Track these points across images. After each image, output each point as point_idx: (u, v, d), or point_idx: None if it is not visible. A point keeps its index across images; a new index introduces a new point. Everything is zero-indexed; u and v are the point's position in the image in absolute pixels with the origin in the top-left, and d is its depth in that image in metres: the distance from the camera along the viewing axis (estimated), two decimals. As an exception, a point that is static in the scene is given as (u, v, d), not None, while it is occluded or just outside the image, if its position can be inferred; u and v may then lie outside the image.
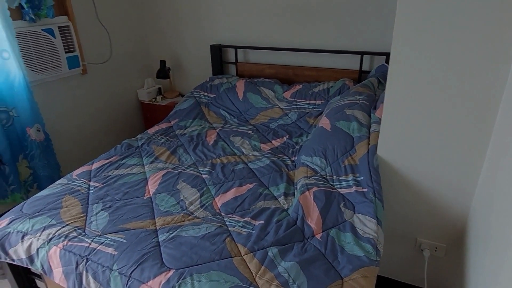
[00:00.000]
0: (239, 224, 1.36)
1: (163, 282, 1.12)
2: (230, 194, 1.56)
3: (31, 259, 1.37)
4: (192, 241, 1.27)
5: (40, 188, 2.40)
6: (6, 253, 1.41)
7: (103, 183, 1.70)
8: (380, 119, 1.63)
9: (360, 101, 1.88)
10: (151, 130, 2.32)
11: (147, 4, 3.05)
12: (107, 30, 2.78)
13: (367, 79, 2.19)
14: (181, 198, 1.56)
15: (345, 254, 1.22)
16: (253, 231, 1.31)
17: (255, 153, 1.97)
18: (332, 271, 1.16)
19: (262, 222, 1.36)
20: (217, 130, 2.28)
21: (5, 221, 1.48)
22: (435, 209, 1.56)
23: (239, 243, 1.26)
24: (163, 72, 3.03)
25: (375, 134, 1.63)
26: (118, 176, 1.76)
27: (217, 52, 2.88)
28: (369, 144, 1.62)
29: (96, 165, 1.88)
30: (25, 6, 2.17)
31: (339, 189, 1.52)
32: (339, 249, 1.25)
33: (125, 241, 1.30)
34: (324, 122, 1.83)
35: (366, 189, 1.46)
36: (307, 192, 1.48)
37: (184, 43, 3.08)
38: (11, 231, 1.43)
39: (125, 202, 1.56)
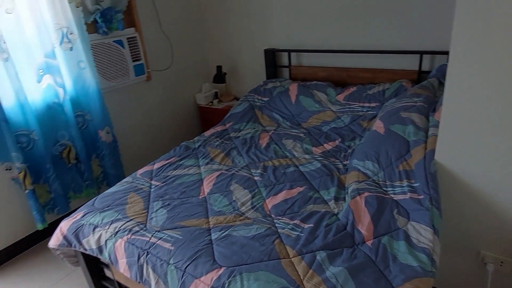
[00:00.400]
0: (288, 227, 1.38)
1: (214, 279, 1.18)
2: (280, 197, 1.59)
3: (100, 249, 1.52)
4: (242, 241, 1.32)
5: (109, 185, 2.64)
6: (80, 243, 1.58)
7: (163, 182, 1.83)
8: (439, 122, 1.54)
9: (418, 103, 1.79)
10: (207, 133, 2.44)
11: (205, 14, 3.21)
12: (169, 39, 2.98)
13: (426, 80, 2.08)
14: (234, 199, 1.62)
15: (397, 263, 1.18)
16: (302, 234, 1.32)
17: (307, 156, 1.98)
18: (383, 280, 1.13)
19: (311, 225, 1.37)
20: (270, 133, 2.32)
21: (79, 214, 1.67)
22: (502, 221, 1.43)
23: (287, 245, 1.28)
24: (219, 77, 3.15)
25: (433, 138, 1.54)
26: (176, 176, 1.88)
27: (271, 56, 2.93)
28: (426, 148, 1.54)
29: (157, 165, 2.03)
30: (99, 20, 2.41)
31: (392, 195, 1.47)
32: (391, 257, 1.21)
33: (181, 237, 1.39)
34: (378, 126, 1.78)
35: (422, 196, 1.39)
36: (358, 197, 1.45)
37: (239, 49, 3.18)
38: (85, 224, 1.60)
39: (182, 200, 1.66)
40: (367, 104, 2.27)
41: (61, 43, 2.20)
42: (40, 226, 2.18)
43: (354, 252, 1.25)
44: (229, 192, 1.68)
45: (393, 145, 1.62)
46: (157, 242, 1.38)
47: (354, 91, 2.38)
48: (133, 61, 2.74)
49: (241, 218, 1.48)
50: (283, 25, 2.86)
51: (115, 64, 2.61)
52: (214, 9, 3.15)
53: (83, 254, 1.70)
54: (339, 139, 2.11)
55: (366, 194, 1.46)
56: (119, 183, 1.90)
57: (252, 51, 3.11)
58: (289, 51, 2.86)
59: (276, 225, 1.41)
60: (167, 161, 2.05)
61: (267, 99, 2.69)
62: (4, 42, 1.94)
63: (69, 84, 2.28)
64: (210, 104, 3.27)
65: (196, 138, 2.38)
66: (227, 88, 3.35)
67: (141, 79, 2.84)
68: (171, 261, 1.29)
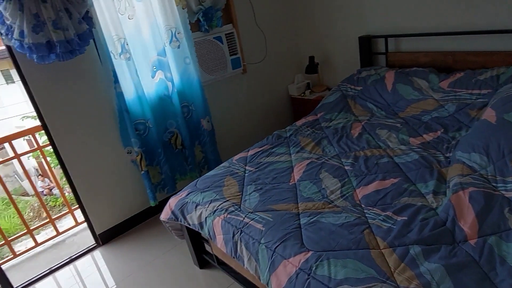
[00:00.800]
0: (379, 218, 1.34)
1: (302, 261, 1.23)
2: (372, 187, 1.55)
3: (201, 225, 1.70)
4: (330, 228, 1.34)
5: (209, 169, 2.88)
6: (185, 218, 1.80)
7: (256, 168, 1.94)
8: None
9: (543, 89, 1.54)
10: (299, 122, 2.48)
11: (297, 5, 3.23)
12: (263, 33, 3.09)
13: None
14: (323, 186, 1.64)
15: (506, 267, 1.06)
16: (394, 226, 1.28)
17: (402, 147, 1.87)
18: (487, 282, 1.03)
19: (405, 218, 1.31)
20: (363, 123, 2.26)
21: (184, 192, 1.89)
22: None
23: (378, 236, 1.25)
24: (311, 67, 3.15)
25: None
26: (268, 163, 1.97)
27: (366, 44, 2.81)
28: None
29: (251, 152, 2.16)
30: (201, 19, 2.63)
31: (503, 192, 1.31)
32: (498, 259, 1.09)
33: (271, 220, 1.47)
34: (489, 114, 1.59)
35: (543, 194, 1.21)
36: (461, 192, 1.33)
37: (332, 38, 3.13)
38: (188, 201, 1.80)
39: (273, 186, 1.74)
40: (476, 91, 2.03)
41: (170, 42, 2.48)
42: (152, 203, 2.52)
43: (454, 250, 1.16)
44: (319, 180, 1.70)
45: (506, 136, 1.44)
46: (250, 222, 1.49)
47: (461, 77, 2.15)
48: (230, 55, 2.92)
49: (330, 206, 1.50)
50: (378, 10, 2.71)
51: (215, 58, 2.83)
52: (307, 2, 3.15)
53: (187, 228, 1.93)
54: (441, 130, 1.94)
55: (471, 189, 1.33)
56: (217, 167, 2.09)
57: (346, 39, 3.02)
58: (386, 37, 2.70)
59: (366, 215, 1.39)
60: (260, 149, 2.16)
61: (361, 88, 2.61)
62: (127, 44, 2.27)
63: (176, 78, 2.56)
64: (302, 95, 3.30)
65: (287, 127, 2.44)
66: (319, 78, 3.33)
67: (238, 72, 3.02)
68: (262, 241, 1.38)
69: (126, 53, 2.27)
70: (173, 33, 2.47)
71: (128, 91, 2.34)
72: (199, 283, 1.98)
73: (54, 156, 2.24)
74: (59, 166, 2.26)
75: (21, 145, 7.02)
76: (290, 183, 1.74)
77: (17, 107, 8.65)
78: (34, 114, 2.16)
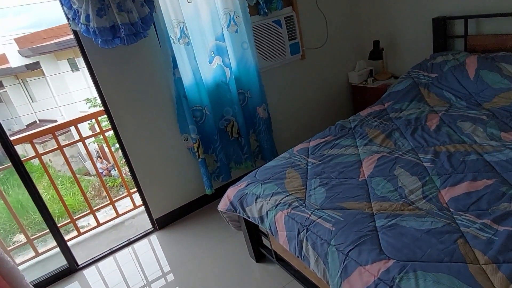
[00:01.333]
0: (475, 226, 1.15)
1: (382, 270, 1.08)
2: (461, 189, 1.34)
3: (261, 219, 1.61)
4: (414, 234, 1.17)
5: (264, 159, 2.80)
6: (244, 210, 1.71)
7: (319, 161, 1.80)
8: None
9: None
10: (364, 112, 2.29)
11: (364, -18, 2.98)
12: (324, 16, 2.89)
13: None
14: (399, 185, 1.46)
15: None
16: (496, 238, 1.08)
17: (493, 143, 1.62)
18: None
19: (509, 229, 1.10)
20: (440, 114, 2.01)
21: (243, 183, 1.80)
22: None
23: (476, 249, 1.07)
24: (376, 53, 2.91)
25: None
26: (333, 155, 1.83)
27: (441, 26, 2.51)
28: None
29: (312, 143, 2.02)
30: (260, 1, 2.50)
31: None
32: None
33: (342, 219, 1.33)
34: None
35: None
36: None
37: (400, 20, 2.84)
38: (248, 193, 1.72)
39: (340, 181, 1.60)
40: None
41: (228, 26, 2.39)
42: (208, 191, 2.49)
43: None
44: (394, 177, 1.52)
45: None
46: (317, 220, 1.36)
47: None
48: (289, 40, 2.77)
49: (411, 207, 1.32)
50: (461, -14, 2.39)
51: (273, 44, 2.69)
52: (375, -22, 2.89)
53: (245, 220, 1.85)
54: (542, 124, 1.65)
55: None
56: (277, 158, 1.98)
57: (416, 21, 2.73)
58: (467, 18, 2.38)
59: (457, 221, 1.20)
60: (323, 140, 2.01)
61: (436, 75, 2.33)
62: (186, 28, 2.21)
63: (234, 64, 2.47)
64: (364, 83, 3.06)
65: (351, 118, 2.26)
66: (383, 65, 3.07)
67: (296, 58, 2.86)
68: (332, 242, 1.26)
69: (185, 37, 2.22)
70: (231, 16, 2.37)
71: (186, 77, 2.29)
72: (255, 277, 1.91)
73: (115, 140, 2.28)
74: (118, 149, 2.30)
75: (84, 128, 7.46)
76: (360, 179, 1.58)
77: (81, 93, 9.21)
78: (96, 101, 2.20)
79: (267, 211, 1.57)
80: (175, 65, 2.20)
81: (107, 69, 2.10)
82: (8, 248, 2.42)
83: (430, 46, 2.65)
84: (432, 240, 1.13)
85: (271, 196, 1.60)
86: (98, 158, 9.41)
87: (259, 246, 1.94)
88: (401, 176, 1.52)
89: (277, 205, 1.54)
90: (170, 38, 2.17)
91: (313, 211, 1.43)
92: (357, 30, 3.15)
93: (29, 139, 2.37)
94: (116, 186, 7.49)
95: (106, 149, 2.12)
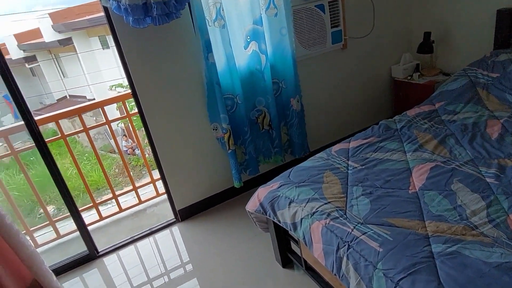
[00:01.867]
0: (561, 266, 0.96)
1: (442, 308, 0.92)
2: (537, 215, 1.14)
3: (294, 225, 1.46)
4: (480, 267, 0.99)
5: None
6: (275, 214, 1.57)
7: (361, 165, 1.62)
8: None
9: None
10: (411, 112, 2.07)
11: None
12: (372, 2, 2.64)
13: None
14: (458, 203, 1.27)
15: None
16: None
17: None
18: None
19: None
20: (502, 121, 1.77)
21: (275, 184, 1.65)
22: None
23: None
24: (426, 45, 2.65)
25: None
26: (377, 160, 1.64)
27: (506, 19, 2.23)
28: None
29: (353, 143, 1.83)
30: (304, -17, 2.29)
31: None
32: None
33: (390, 238, 1.16)
34: None
35: None
36: None
37: (458, 11, 2.56)
38: (280, 195, 1.57)
39: (386, 191, 1.42)
40: None
41: (266, 9, 2.20)
42: (237, 184, 2.35)
43: None
44: (451, 193, 1.33)
45: None
46: (361, 237, 1.20)
47: None
48: (332, 27, 2.55)
49: (474, 233, 1.13)
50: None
51: (313, 30, 2.49)
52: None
53: (274, 222, 1.71)
54: None
55: None
56: (312, 158, 1.81)
57: (477, 12, 2.44)
58: (539, 11, 2.10)
59: (536, 257, 1.01)
60: (365, 141, 1.83)
61: (497, 75, 2.07)
62: (223, 10, 2.05)
63: (270, 50, 2.30)
64: (409, 78, 2.81)
65: (396, 117, 2.05)
66: (432, 59, 2.80)
67: (337, 47, 2.65)
68: (379, 266, 1.09)
69: (221, 19, 2.05)
70: (271, -2, 2.18)
71: (219, 63, 2.14)
72: (281, 284, 1.78)
73: (141, 124, 2.18)
74: (143, 129, 2.20)
75: (112, 107, 7.49)
76: (410, 191, 1.39)
77: (111, 72, 9.26)
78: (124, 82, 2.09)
79: (301, 218, 1.42)
80: (209, 50, 2.05)
81: (137, 50, 1.98)
82: (31, 228, 2.39)
83: (491, 41, 2.37)
84: (503, 277, 0.95)
85: (307, 202, 1.44)
86: (124, 136, 9.51)
87: (287, 250, 1.80)
88: (460, 192, 1.32)
89: (313, 213, 1.39)
90: (206, 20, 2.01)
91: (356, 225, 1.26)
92: (407, 20, 2.88)
93: (55, 119, 2.31)
94: (139, 165, 7.55)
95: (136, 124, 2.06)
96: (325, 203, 1.41)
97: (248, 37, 2.23)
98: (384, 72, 2.95)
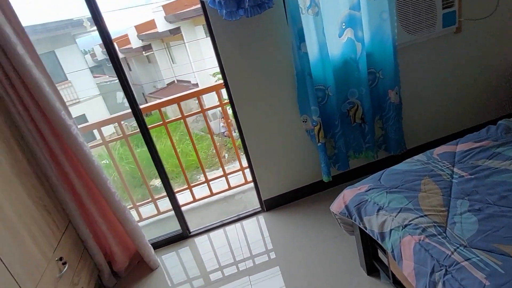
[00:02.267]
0: None
1: None
2: None
3: (382, 235, 1.33)
4: None
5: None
6: (361, 219, 1.46)
7: (470, 174, 1.39)
8: None
9: None
10: (545, 111, 1.68)
11: None
12: (499, -26, 2.20)
13: None
14: None
15: None
16: None
17: None
18: None
19: None
20: None
21: (364, 187, 1.53)
22: None
23: None
24: None
25: None
26: (491, 170, 1.38)
27: None
28: None
29: (461, 147, 1.58)
30: (412, -41, 2.02)
31: None
32: None
33: (501, 270, 0.97)
34: None
35: None
36: None
37: None
38: (369, 200, 1.45)
39: (501, 210, 1.18)
40: None
41: (366, -9, 2.01)
42: (326, 179, 2.27)
43: None
44: None
45: None
46: (463, 263, 1.03)
47: None
48: (443, 8, 2.21)
49: None
50: None
51: (420, 12, 2.19)
52: None
53: (360, 228, 1.59)
54: None
55: None
56: (408, 160, 1.62)
57: None
58: None
59: None
60: (477, 144, 1.55)
61: None
62: (318, -4, 1.93)
63: (367, 38, 2.11)
64: (545, 65, 2.30)
65: (523, 116, 1.69)
66: None
67: (449, 31, 2.29)
68: (484, 302, 0.92)
69: (314, 6, 1.95)
70: (371, -21, 1.98)
71: (312, 52, 2.05)
72: (364, 292, 1.67)
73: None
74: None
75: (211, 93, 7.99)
76: (535, 213, 1.14)
77: (213, 59, 9.85)
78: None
79: (391, 229, 1.29)
80: (302, 39, 1.97)
81: (229, 41, 2.01)
82: (138, 204, 2.71)
83: None
84: None
85: (399, 212, 1.30)
86: (221, 119, 10.08)
87: (373, 258, 1.67)
88: None
89: (405, 225, 1.24)
90: (299, 8, 1.93)
91: (458, 247, 1.08)
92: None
93: (158, 107, 2.54)
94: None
95: (230, 111, 2.14)
96: (421, 216, 1.24)
97: (344, 24, 2.07)
98: (508, 61, 2.46)
